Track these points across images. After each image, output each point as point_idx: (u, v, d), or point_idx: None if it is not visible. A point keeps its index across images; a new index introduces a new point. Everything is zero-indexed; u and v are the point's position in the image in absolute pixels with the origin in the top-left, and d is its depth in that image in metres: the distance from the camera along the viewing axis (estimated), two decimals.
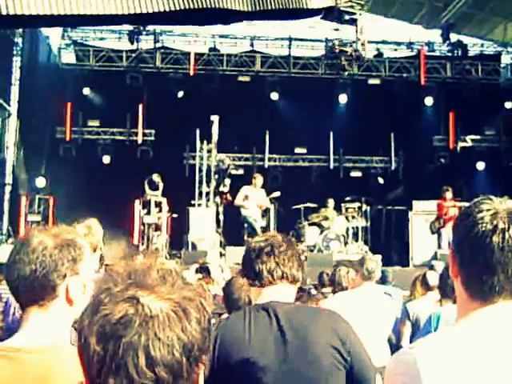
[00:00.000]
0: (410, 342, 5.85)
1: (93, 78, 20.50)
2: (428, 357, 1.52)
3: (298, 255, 2.80)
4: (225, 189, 16.14)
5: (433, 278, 6.34)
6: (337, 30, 22.11)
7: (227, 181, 16.18)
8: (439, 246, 13.88)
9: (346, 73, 17.14)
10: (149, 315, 1.20)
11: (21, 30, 18.51)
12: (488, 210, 1.60)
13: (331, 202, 15.82)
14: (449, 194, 13.91)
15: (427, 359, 1.52)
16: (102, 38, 21.63)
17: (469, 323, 1.59)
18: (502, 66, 22.42)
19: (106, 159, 20.51)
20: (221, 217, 15.66)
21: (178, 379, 1.19)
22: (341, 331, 2.64)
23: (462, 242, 1.64)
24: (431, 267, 7.10)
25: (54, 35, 20.85)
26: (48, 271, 1.92)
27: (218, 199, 16.21)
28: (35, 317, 1.94)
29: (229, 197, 15.74)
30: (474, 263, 1.60)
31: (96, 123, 20.91)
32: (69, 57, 21.60)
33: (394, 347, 6.13)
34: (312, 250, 14.77)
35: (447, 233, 13.89)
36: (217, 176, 16.25)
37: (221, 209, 15.99)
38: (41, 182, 18.20)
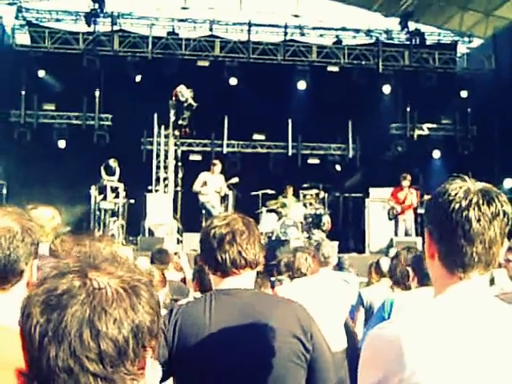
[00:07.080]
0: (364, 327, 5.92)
1: (48, 60, 20.00)
2: (409, 331, 1.62)
3: (259, 238, 2.75)
4: (184, 122, 15.82)
5: (386, 265, 6.40)
6: (296, 16, 22.16)
7: (186, 113, 15.76)
8: (395, 233, 14.04)
9: None
10: (96, 287, 1.18)
11: None
12: (461, 187, 1.73)
13: (289, 189, 15.85)
14: (406, 182, 14.01)
15: (409, 334, 1.62)
16: (58, 20, 21.18)
17: (447, 299, 1.71)
18: (458, 55, 22.76)
19: (62, 144, 20.19)
20: (178, 203, 15.52)
21: (123, 358, 1.17)
22: (304, 322, 2.61)
23: (439, 219, 1.75)
24: (387, 254, 7.18)
25: (7, 15, 20.33)
26: (19, 256, 1.94)
27: (176, 132, 15.93)
28: None
29: (188, 130, 15.44)
30: (453, 237, 1.71)
31: (51, 107, 20.57)
32: (23, 38, 21.05)
33: (350, 333, 6.19)
34: (270, 237, 14.78)
35: (404, 220, 14.07)
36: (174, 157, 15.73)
37: (179, 191, 15.81)
38: None
